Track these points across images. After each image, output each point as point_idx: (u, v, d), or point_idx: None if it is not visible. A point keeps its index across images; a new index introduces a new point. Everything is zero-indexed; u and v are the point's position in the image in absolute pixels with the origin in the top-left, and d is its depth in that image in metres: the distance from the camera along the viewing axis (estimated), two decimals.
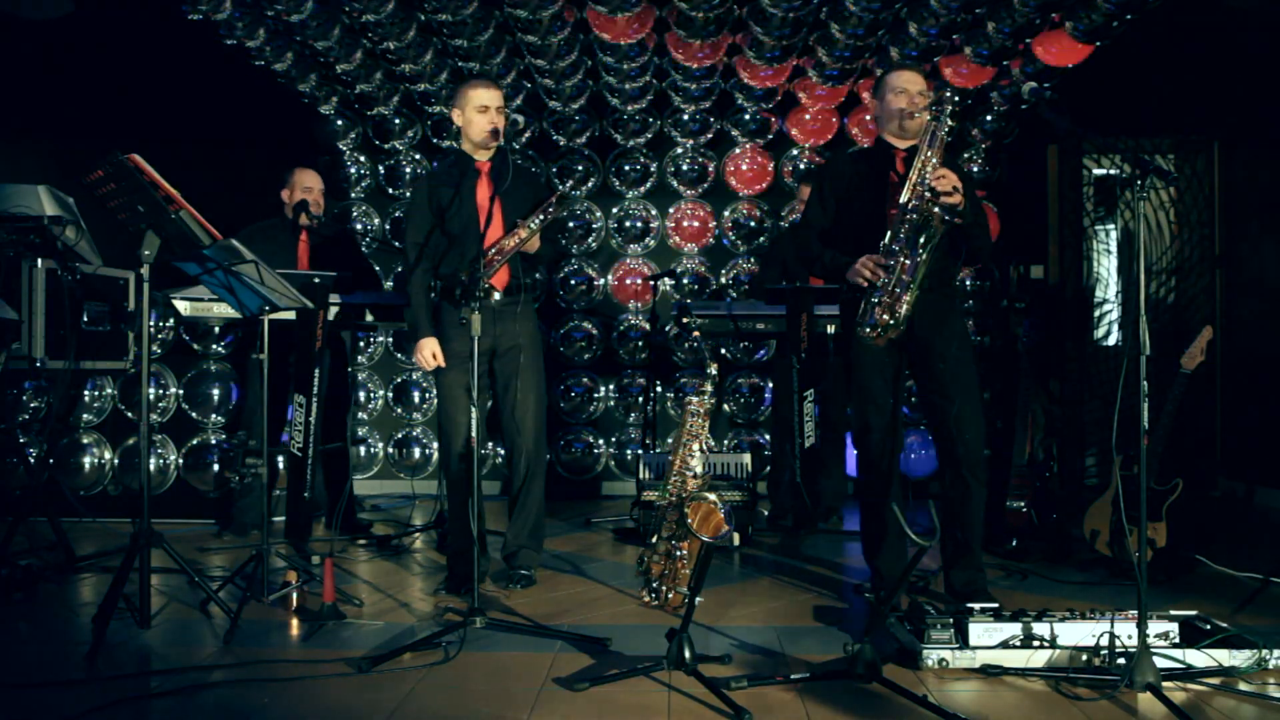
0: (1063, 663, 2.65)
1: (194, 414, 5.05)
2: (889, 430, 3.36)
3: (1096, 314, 6.16)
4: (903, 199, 3.16)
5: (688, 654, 2.54)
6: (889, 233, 3.17)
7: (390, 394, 6.23)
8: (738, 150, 6.22)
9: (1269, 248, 5.68)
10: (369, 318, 4.40)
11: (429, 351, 3.49)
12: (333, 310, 4.21)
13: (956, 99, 3.15)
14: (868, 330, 3.17)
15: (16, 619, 3.21)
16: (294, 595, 3.27)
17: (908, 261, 3.11)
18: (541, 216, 3.45)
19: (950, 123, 3.14)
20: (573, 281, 6.20)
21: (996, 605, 2.92)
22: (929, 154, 3.14)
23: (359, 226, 6.28)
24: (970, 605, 2.90)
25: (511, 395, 3.57)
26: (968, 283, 6.13)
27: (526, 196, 3.56)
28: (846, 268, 3.27)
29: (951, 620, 2.75)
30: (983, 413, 3.37)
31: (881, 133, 3.43)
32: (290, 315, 3.97)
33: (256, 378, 4.31)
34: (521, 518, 3.61)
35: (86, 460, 5.04)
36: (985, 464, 3.36)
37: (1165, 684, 2.47)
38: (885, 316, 3.13)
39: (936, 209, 3.07)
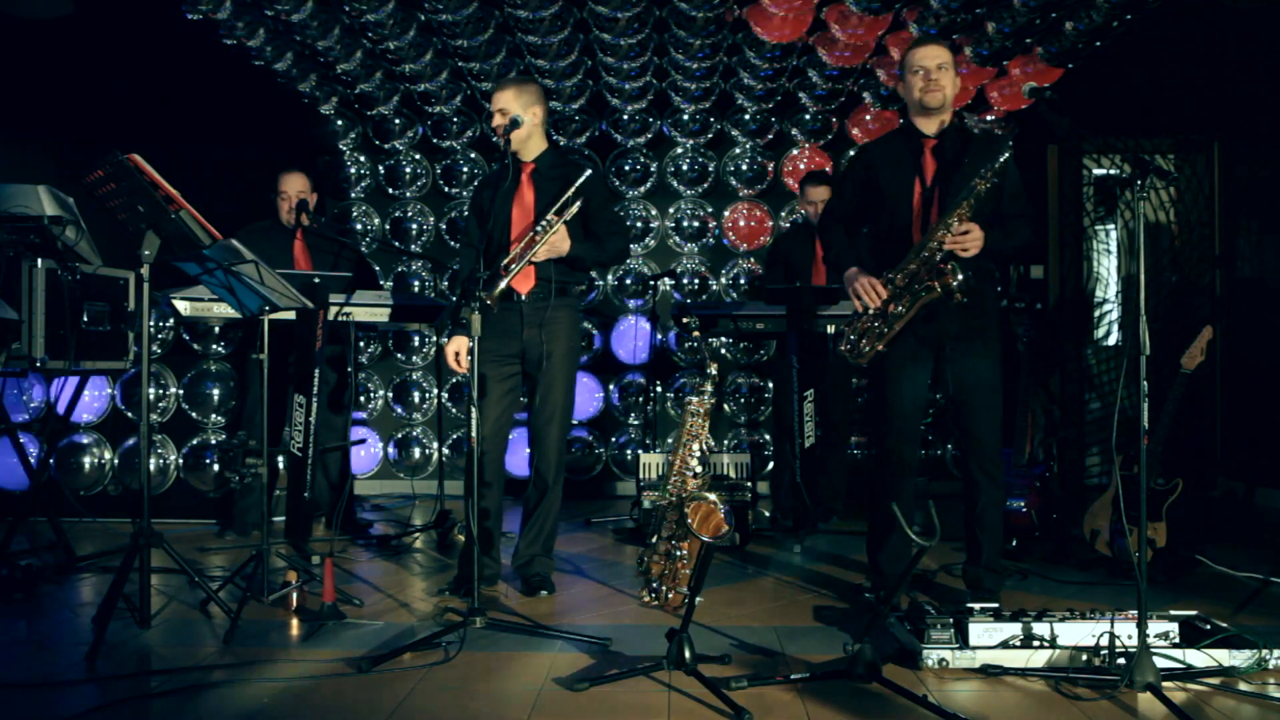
0: (1063, 663, 2.65)
1: (194, 414, 5.05)
2: (909, 428, 3.33)
3: (1096, 314, 6.16)
4: (922, 239, 3.12)
5: (688, 654, 2.54)
6: (897, 267, 3.16)
7: (390, 394, 6.23)
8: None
9: (1269, 248, 5.68)
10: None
11: (453, 349, 3.44)
12: (341, 310, 4.22)
13: (1011, 142, 3.05)
14: (844, 348, 3.26)
15: (16, 619, 3.21)
16: (294, 595, 3.27)
17: (898, 309, 3.14)
18: (551, 217, 3.36)
19: (992, 178, 3.04)
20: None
21: (996, 605, 2.92)
22: (963, 206, 3.05)
23: (359, 226, 6.28)
24: (970, 605, 2.90)
25: (538, 404, 3.53)
26: None
27: (557, 191, 3.44)
28: (846, 270, 3.28)
29: (951, 620, 2.75)
30: (1000, 411, 3.33)
31: (910, 115, 3.30)
32: (290, 315, 3.97)
33: (256, 378, 4.31)
34: (538, 528, 3.58)
35: (86, 460, 5.04)
36: (1000, 462, 3.33)
37: (1165, 684, 2.47)
38: (864, 345, 3.22)
39: (939, 283, 3.05)
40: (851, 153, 6.14)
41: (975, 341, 3.25)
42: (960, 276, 3.04)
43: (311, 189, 4.65)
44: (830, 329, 4.61)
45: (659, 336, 6.09)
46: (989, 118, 5.96)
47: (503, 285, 3.31)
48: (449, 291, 3.61)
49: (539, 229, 3.36)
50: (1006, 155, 3.04)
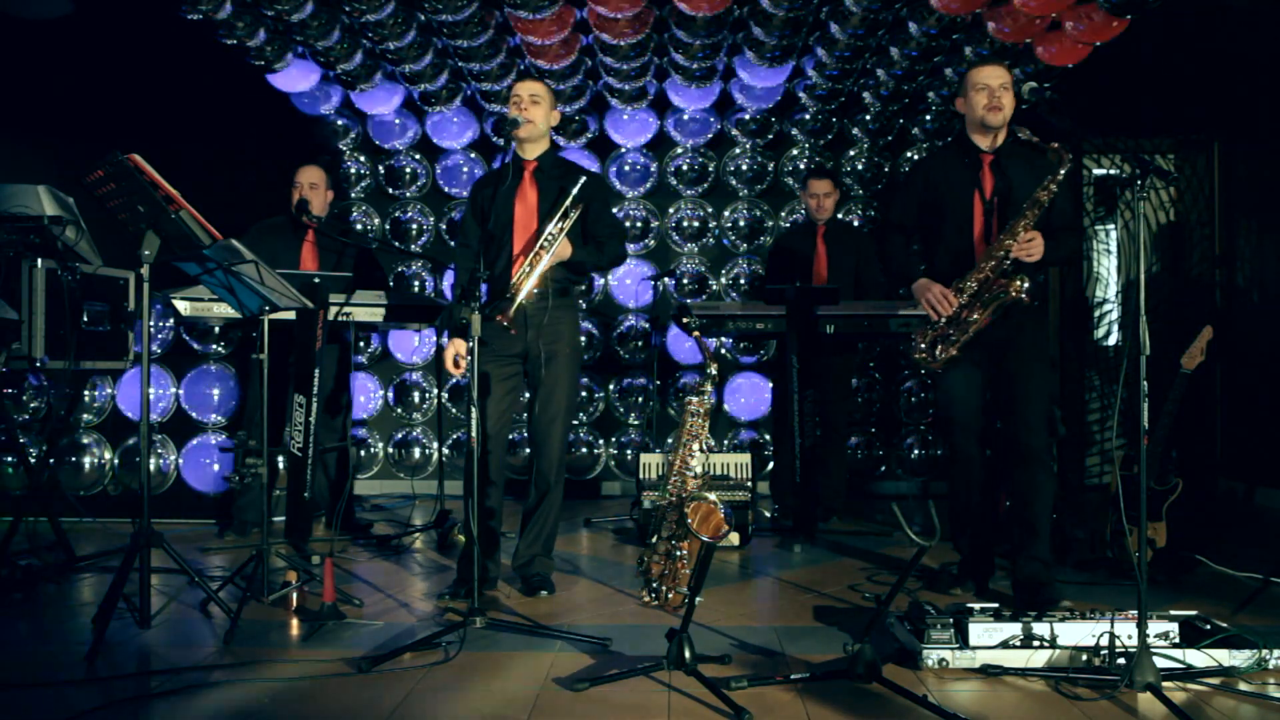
0: (1063, 663, 2.65)
1: (194, 414, 5.05)
2: (972, 424, 3.44)
3: (1096, 314, 6.16)
4: (990, 249, 3.26)
5: (688, 654, 2.54)
6: (969, 275, 3.29)
7: (390, 394, 6.23)
8: (738, 150, 6.23)
9: (1269, 247, 5.68)
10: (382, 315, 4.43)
11: (452, 352, 3.44)
12: (341, 310, 4.21)
13: (1070, 156, 3.16)
14: (918, 355, 3.41)
15: (16, 619, 3.21)
16: (294, 595, 3.27)
17: (972, 316, 3.29)
18: (559, 225, 3.38)
19: (1053, 188, 3.18)
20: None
21: (996, 605, 2.92)
22: (1027, 215, 3.19)
23: (359, 226, 6.28)
24: (970, 605, 2.90)
25: (540, 405, 3.53)
26: None
27: (559, 194, 3.46)
28: (915, 281, 3.43)
29: (951, 620, 2.75)
30: (1047, 405, 3.43)
31: (967, 131, 3.41)
32: (291, 315, 3.97)
33: (257, 378, 4.31)
34: (538, 528, 3.57)
35: (86, 460, 5.04)
36: (1049, 453, 3.41)
37: (1165, 684, 2.47)
38: (938, 351, 3.36)
39: (1014, 285, 3.19)
40: (904, 168, 6.18)
41: (1027, 343, 3.36)
42: (1028, 283, 3.20)
43: (327, 186, 4.64)
44: (830, 329, 4.62)
45: (657, 337, 6.08)
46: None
47: (519, 302, 3.36)
48: (449, 293, 3.58)
49: (545, 243, 3.38)
50: (1070, 167, 3.16)
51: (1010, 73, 3.37)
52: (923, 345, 3.40)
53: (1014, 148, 3.36)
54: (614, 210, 5.48)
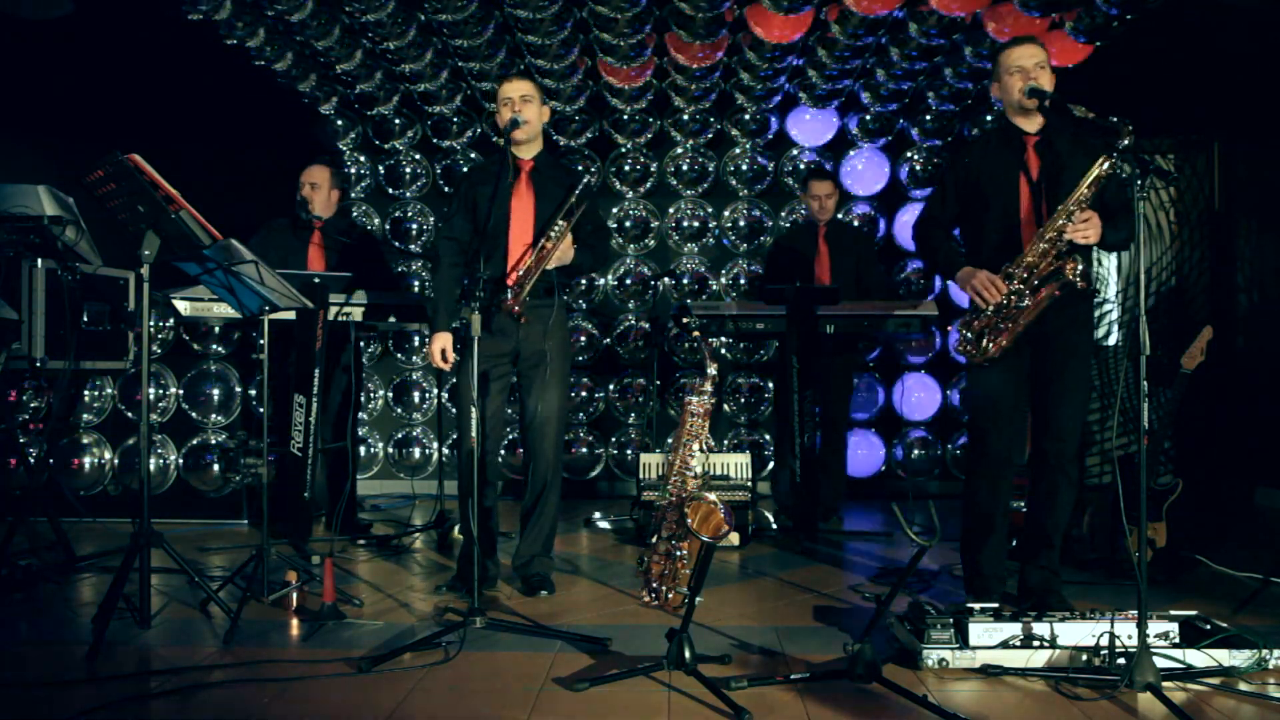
0: (1063, 663, 2.65)
1: (194, 414, 5.05)
2: (1008, 423, 3.24)
3: (1097, 314, 6.16)
4: (1040, 231, 3.07)
5: (688, 654, 2.54)
6: (1017, 260, 3.10)
7: (390, 394, 6.23)
8: (737, 150, 6.23)
9: (1268, 247, 5.68)
10: (391, 318, 4.43)
11: (439, 346, 3.41)
12: (342, 310, 4.21)
13: (1130, 130, 2.89)
14: (963, 348, 3.20)
15: (16, 619, 3.21)
16: (294, 595, 3.27)
17: (1023, 303, 3.09)
18: (561, 224, 3.38)
19: (1112, 161, 2.98)
20: (573, 281, 6.21)
21: (996, 605, 2.91)
22: (1083, 190, 3.01)
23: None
24: (970, 605, 2.90)
25: (533, 405, 3.51)
26: None
27: (558, 195, 3.46)
28: (959, 270, 3.23)
29: (951, 620, 2.75)
30: (1086, 411, 3.23)
31: (1008, 114, 3.26)
32: (291, 315, 3.97)
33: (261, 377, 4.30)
34: (537, 528, 3.57)
35: (86, 460, 5.04)
36: (1075, 463, 3.23)
37: (1165, 684, 2.47)
38: (986, 343, 3.14)
39: (1068, 266, 2.99)
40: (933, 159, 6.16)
41: (1072, 336, 3.19)
42: (1081, 265, 3.01)
43: (332, 186, 4.62)
44: (830, 329, 4.61)
45: (659, 336, 6.08)
46: (988, 118, 5.95)
47: (525, 297, 3.34)
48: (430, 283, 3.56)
49: (552, 235, 3.37)
50: (1128, 141, 2.92)
51: (1044, 49, 3.19)
52: (969, 337, 3.19)
53: (1063, 126, 3.18)
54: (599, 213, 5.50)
